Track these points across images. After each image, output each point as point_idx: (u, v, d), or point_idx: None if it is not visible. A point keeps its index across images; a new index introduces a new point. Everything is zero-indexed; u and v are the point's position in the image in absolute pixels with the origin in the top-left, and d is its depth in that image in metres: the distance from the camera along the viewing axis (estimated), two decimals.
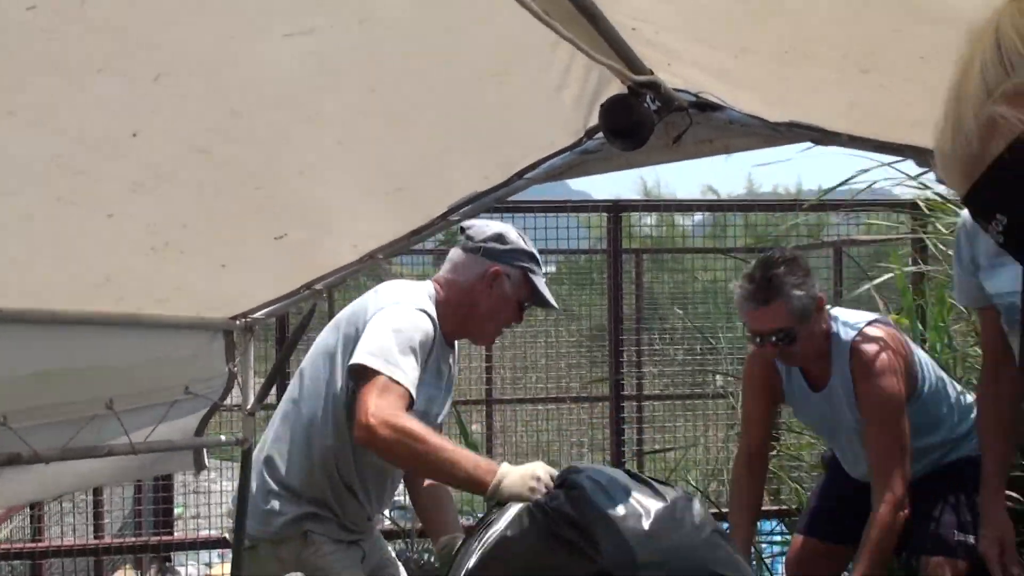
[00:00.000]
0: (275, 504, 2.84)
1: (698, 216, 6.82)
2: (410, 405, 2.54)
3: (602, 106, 1.92)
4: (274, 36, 1.38)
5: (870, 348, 3.05)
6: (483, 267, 2.83)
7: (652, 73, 1.84)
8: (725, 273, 6.65)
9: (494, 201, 2.24)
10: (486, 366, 5.86)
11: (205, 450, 2.87)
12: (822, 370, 3.18)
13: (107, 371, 2.35)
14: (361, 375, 2.57)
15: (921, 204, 4.53)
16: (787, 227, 5.88)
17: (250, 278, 2.40)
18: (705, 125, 2.01)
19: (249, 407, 2.71)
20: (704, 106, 1.97)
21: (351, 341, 2.70)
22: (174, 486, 5.54)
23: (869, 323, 3.13)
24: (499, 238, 2.82)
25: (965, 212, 2.78)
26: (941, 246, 4.34)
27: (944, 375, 3.32)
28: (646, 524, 2.15)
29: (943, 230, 4.31)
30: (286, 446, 2.86)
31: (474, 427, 6.03)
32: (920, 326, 4.22)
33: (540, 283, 2.89)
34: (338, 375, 2.76)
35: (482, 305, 2.86)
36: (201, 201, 1.90)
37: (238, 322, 2.62)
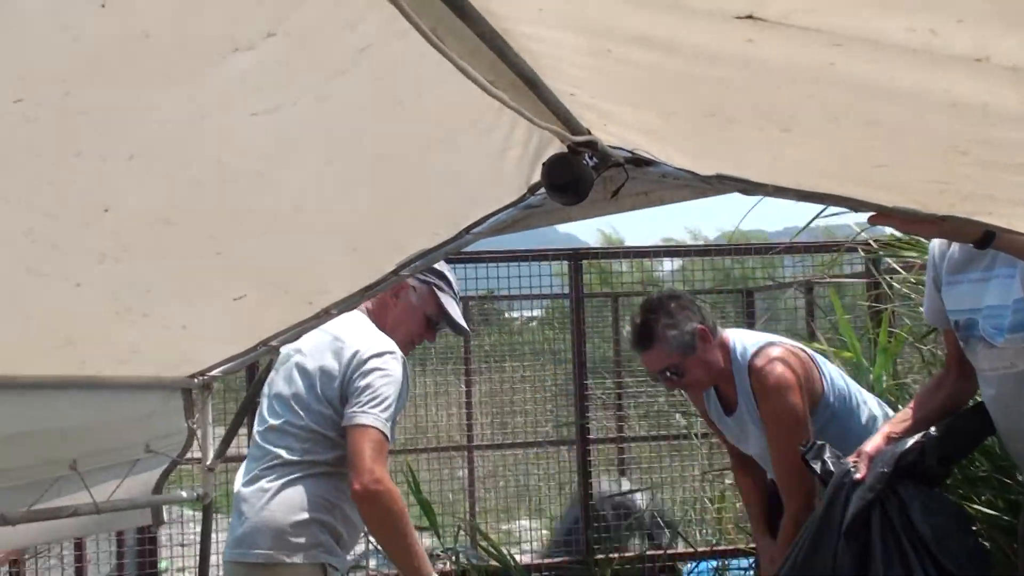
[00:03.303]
0: (302, 534, 2.90)
1: (675, 263, 6.99)
2: None
3: (544, 164, 2.04)
4: (242, 115, 1.48)
5: (765, 367, 3.20)
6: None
7: (590, 133, 1.96)
8: None
9: (443, 256, 2.35)
10: (467, 411, 5.95)
11: (167, 508, 2.92)
12: (732, 392, 3.34)
13: (70, 432, 2.42)
14: (361, 428, 2.81)
15: (873, 244, 4.69)
16: (752, 270, 6.09)
17: (209, 337, 2.47)
18: (640, 179, 2.14)
19: (209, 463, 2.77)
20: (639, 161, 2.09)
21: (335, 374, 2.90)
22: (158, 539, 5.49)
23: (765, 344, 3.28)
24: None
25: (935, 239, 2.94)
26: (895, 284, 4.50)
27: (869, 396, 3.46)
28: None
29: (896, 267, 4.48)
30: (294, 473, 2.92)
31: (460, 473, 6.11)
32: (865, 361, 4.36)
33: (448, 302, 3.08)
34: (335, 403, 2.89)
35: (390, 316, 3.06)
36: (164, 267, 1.98)
37: (196, 380, 2.69)
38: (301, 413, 2.93)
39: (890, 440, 2.84)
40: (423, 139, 1.84)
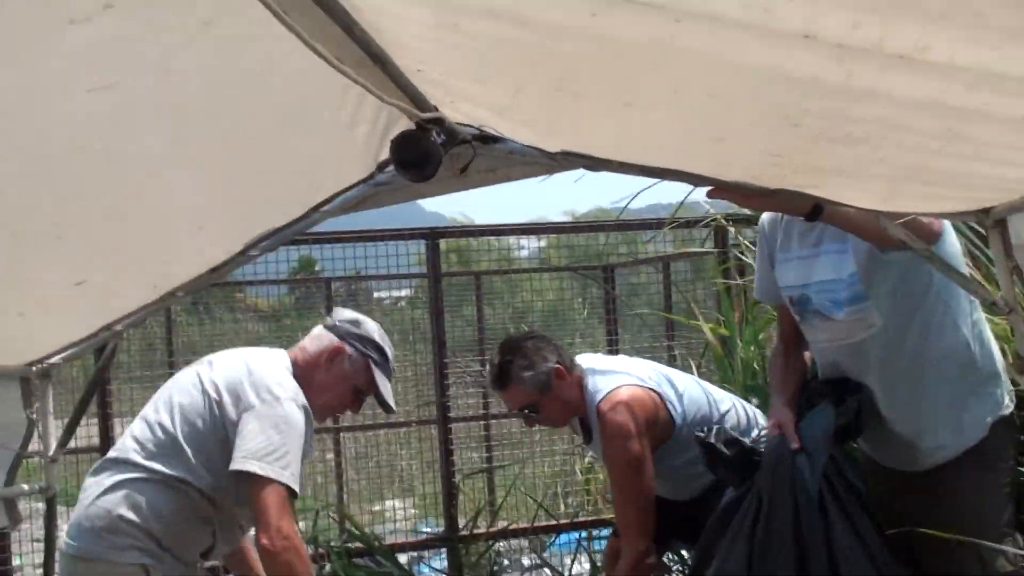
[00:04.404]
0: (123, 533, 2.77)
1: (537, 242, 7.05)
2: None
3: (392, 141, 2.04)
4: (77, 91, 1.44)
5: (608, 414, 3.25)
6: (329, 342, 2.94)
7: (437, 110, 1.97)
8: (560, 292, 6.97)
9: (293, 235, 2.32)
10: None
11: (19, 502, 2.79)
12: (589, 423, 3.44)
13: None
14: (256, 478, 2.68)
15: (722, 220, 4.81)
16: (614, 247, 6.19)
17: (49, 324, 2.39)
18: (488, 156, 2.16)
19: (51, 454, 2.68)
20: (486, 138, 2.11)
21: (229, 414, 2.76)
22: (10, 535, 5.24)
23: (613, 388, 3.30)
24: (355, 322, 2.96)
25: (765, 214, 3.00)
26: (744, 259, 4.62)
27: (732, 400, 3.51)
28: None
29: (746, 243, 4.60)
30: (134, 473, 2.79)
31: (328, 455, 6.04)
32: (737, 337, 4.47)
33: (381, 379, 3.01)
34: (218, 429, 2.77)
35: (318, 378, 2.95)
36: None
37: (34, 368, 2.59)
38: (177, 422, 2.80)
39: (791, 407, 2.90)
40: (270, 116, 1.82)
